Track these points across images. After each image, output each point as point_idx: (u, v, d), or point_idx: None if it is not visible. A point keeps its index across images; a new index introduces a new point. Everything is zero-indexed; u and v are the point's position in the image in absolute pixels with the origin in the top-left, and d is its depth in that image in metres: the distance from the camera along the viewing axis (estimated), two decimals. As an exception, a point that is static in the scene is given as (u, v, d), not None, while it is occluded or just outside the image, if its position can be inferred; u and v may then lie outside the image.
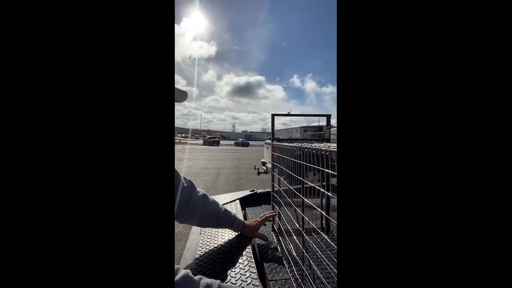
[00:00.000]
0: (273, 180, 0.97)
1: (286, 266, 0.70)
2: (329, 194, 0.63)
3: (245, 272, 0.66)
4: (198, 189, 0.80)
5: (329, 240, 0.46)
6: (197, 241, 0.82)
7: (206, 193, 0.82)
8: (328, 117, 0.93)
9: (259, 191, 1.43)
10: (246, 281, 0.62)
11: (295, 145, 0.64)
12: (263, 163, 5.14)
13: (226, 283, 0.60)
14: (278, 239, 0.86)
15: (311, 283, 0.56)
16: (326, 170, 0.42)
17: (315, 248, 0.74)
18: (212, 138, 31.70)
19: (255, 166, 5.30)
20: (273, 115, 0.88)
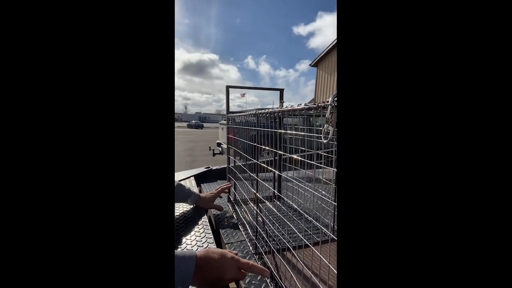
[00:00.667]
0: (229, 153, 0.98)
1: (242, 230, 0.74)
2: (280, 173, 0.67)
3: (201, 239, 0.67)
4: None
5: (279, 203, 0.51)
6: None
7: None
8: (281, 91, 0.97)
9: (214, 167, 1.43)
10: (203, 246, 0.63)
11: (249, 113, 0.65)
12: (218, 144, 5.09)
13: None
14: (234, 208, 0.90)
15: (264, 240, 0.61)
16: (279, 151, 0.44)
17: (267, 213, 0.79)
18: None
19: (210, 147, 5.21)
20: (227, 87, 0.87)
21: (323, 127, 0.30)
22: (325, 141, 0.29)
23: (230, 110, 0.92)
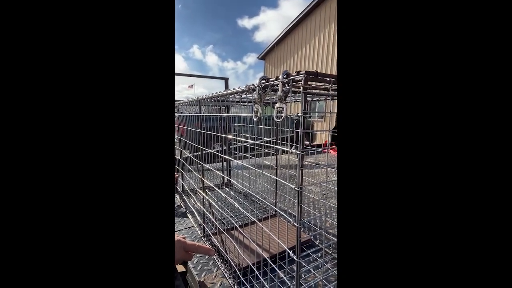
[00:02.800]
0: (180, 146, 0.95)
1: (190, 217, 0.74)
2: (229, 158, 0.69)
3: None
4: None
5: (228, 189, 0.54)
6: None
7: None
8: (226, 80, 0.98)
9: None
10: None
11: (192, 100, 0.65)
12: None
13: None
14: (182, 198, 0.89)
15: (212, 222, 0.63)
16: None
17: (216, 199, 0.81)
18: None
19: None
20: (169, 74, 0.84)
21: (262, 112, 0.33)
22: (255, 119, 0.33)
23: (175, 99, 0.89)
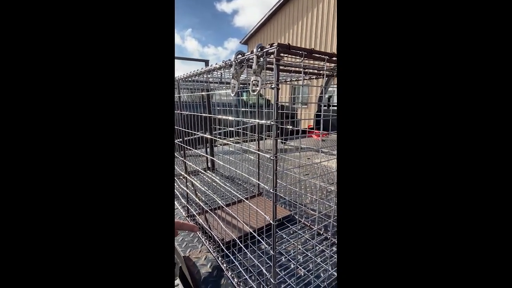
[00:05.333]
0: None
1: (174, 200, 0.75)
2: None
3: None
4: None
5: (212, 175, 0.54)
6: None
7: None
8: (206, 62, 0.96)
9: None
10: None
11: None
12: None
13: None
14: (165, 183, 0.89)
15: (197, 205, 0.65)
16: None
17: (201, 182, 0.82)
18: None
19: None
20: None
21: (247, 98, 0.34)
22: (232, 94, 0.34)
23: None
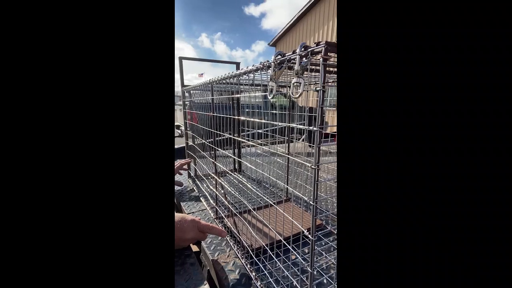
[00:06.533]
0: (187, 129, 0.96)
1: (203, 201, 0.76)
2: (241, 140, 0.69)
3: (162, 212, 0.67)
4: None
5: (239, 177, 0.54)
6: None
7: None
8: (237, 64, 0.96)
9: (172, 147, 1.39)
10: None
11: (204, 82, 0.64)
12: (177, 127, 4.86)
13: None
14: (195, 183, 0.90)
15: (225, 207, 0.64)
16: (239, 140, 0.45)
17: (228, 184, 0.82)
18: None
19: (168, 131, 4.94)
20: (180, 58, 0.83)
21: (277, 100, 0.32)
22: (270, 97, 0.32)
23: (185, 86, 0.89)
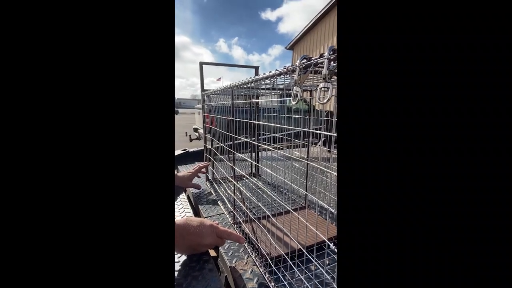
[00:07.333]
0: (205, 132, 0.97)
1: (221, 204, 0.76)
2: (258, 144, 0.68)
3: (180, 214, 0.68)
4: None
5: (255, 180, 0.53)
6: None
7: None
8: (256, 68, 0.96)
9: (191, 149, 1.41)
10: (182, 221, 0.64)
11: (224, 87, 0.64)
12: (195, 129, 4.97)
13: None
14: (212, 186, 0.91)
15: (242, 211, 0.63)
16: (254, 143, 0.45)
17: (245, 188, 0.81)
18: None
19: (186, 133, 5.08)
20: (201, 63, 0.85)
21: (298, 104, 0.31)
22: (293, 102, 0.31)
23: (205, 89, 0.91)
